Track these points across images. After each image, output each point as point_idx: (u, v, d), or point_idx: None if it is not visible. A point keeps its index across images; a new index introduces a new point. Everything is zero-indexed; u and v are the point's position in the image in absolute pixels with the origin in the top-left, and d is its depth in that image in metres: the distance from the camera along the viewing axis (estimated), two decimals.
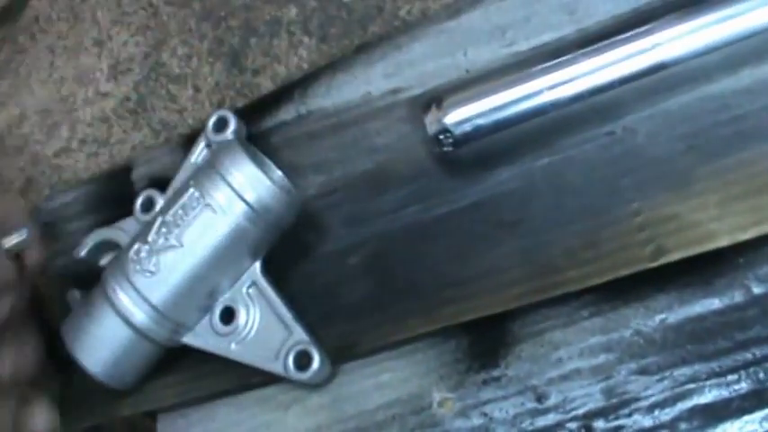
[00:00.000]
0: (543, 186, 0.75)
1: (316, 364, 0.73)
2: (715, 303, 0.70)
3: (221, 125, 0.80)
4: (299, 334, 0.74)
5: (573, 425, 0.70)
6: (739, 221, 0.69)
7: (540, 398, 0.71)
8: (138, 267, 0.74)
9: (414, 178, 0.78)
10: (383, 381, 0.76)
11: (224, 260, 0.75)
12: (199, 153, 0.81)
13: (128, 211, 0.82)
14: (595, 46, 0.72)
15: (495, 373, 0.73)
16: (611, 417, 0.70)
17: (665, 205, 0.71)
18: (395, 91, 0.80)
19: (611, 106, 0.73)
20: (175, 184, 0.80)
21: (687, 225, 0.70)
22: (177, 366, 0.81)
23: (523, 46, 0.77)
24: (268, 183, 0.73)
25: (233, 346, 0.76)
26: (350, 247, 0.78)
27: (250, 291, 0.77)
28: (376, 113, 0.80)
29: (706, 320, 0.70)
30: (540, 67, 0.73)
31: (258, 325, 0.76)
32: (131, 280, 0.74)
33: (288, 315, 0.75)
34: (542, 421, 0.71)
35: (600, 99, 0.72)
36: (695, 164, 0.71)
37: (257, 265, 0.77)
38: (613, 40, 0.71)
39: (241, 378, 0.78)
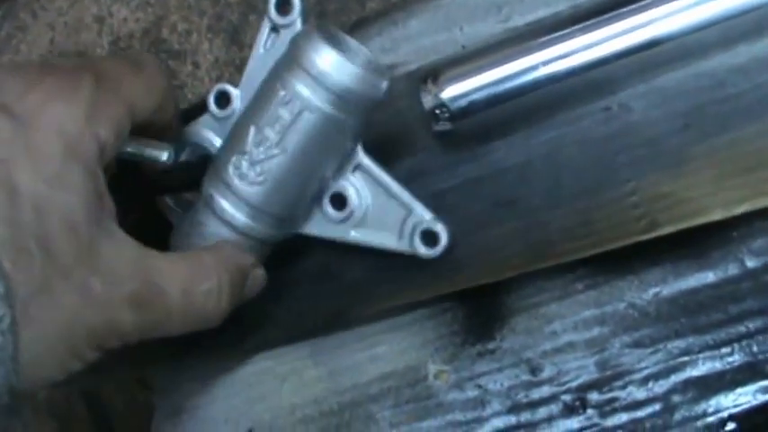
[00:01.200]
0: (540, 164, 0.75)
1: (444, 240, 0.73)
2: (709, 277, 0.71)
3: (285, 6, 0.76)
4: (421, 211, 0.74)
5: (567, 397, 0.71)
6: (733, 196, 0.69)
7: (534, 370, 0.72)
8: (243, 182, 0.72)
9: (412, 154, 0.78)
10: (379, 353, 0.76)
11: (329, 154, 0.74)
12: (265, 40, 0.78)
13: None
14: (590, 21, 0.72)
15: (490, 345, 0.74)
16: (605, 389, 0.70)
17: (660, 183, 0.71)
18: (392, 66, 0.80)
19: (607, 82, 0.74)
20: (250, 76, 0.78)
21: (681, 201, 0.70)
22: None
23: (519, 21, 0.78)
24: (355, 68, 0.70)
25: (352, 232, 0.76)
26: None
27: (356, 174, 0.76)
28: None
29: (700, 294, 0.71)
30: (535, 42, 0.73)
31: (373, 207, 0.76)
32: (240, 195, 0.72)
33: (404, 193, 0.75)
34: (537, 393, 0.72)
35: (595, 74, 0.72)
36: (690, 142, 0.72)
37: (359, 147, 0.75)
38: (608, 15, 0.71)
39: (235, 339, 0.79)
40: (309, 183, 0.74)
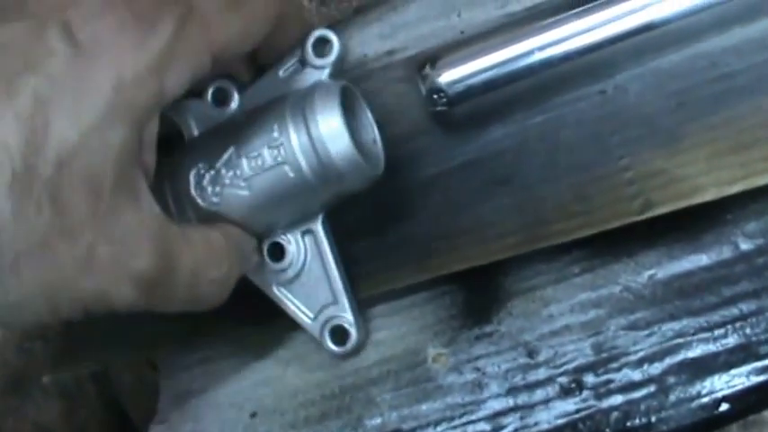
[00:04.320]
0: (536, 144, 0.76)
1: (352, 342, 0.75)
2: (703, 259, 0.71)
3: (322, 48, 0.75)
4: (343, 306, 0.75)
5: (563, 379, 0.72)
6: (726, 176, 0.70)
7: (531, 353, 0.73)
8: (197, 191, 0.70)
9: (410, 137, 0.79)
10: (379, 338, 0.77)
11: (290, 210, 0.73)
12: (289, 67, 0.76)
13: None
14: (585, 6, 0.72)
15: (488, 329, 0.75)
16: (601, 371, 0.71)
17: (654, 161, 0.72)
18: (390, 52, 0.81)
19: (603, 65, 0.74)
20: (258, 90, 0.76)
21: (675, 179, 0.71)
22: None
23: (516, 7, 0.78)
24: (353, 150, 0.69)
25: (274, 287, 0.75)
26: (348, 204, 0.79)
27: (305, 237, 0.75)
28: (372, 74, 0.81)
29: (694, 276, 0.71)
30: (531, 27, 0.74)
31: (304, 276, 0.75)
32: (190, 201, 0.71)
33: (338, 281, 0.75)
34: (534, 376, 0.73)
35: (591, 58, 0.73)
36: (684, 121, 0.72)
37: (321, 216, 0.75)
38: (603, 0, 0.72)
39: (241, 322, 0.80)
40: (258, 225, 0.73)
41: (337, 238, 0.77)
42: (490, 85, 0.74)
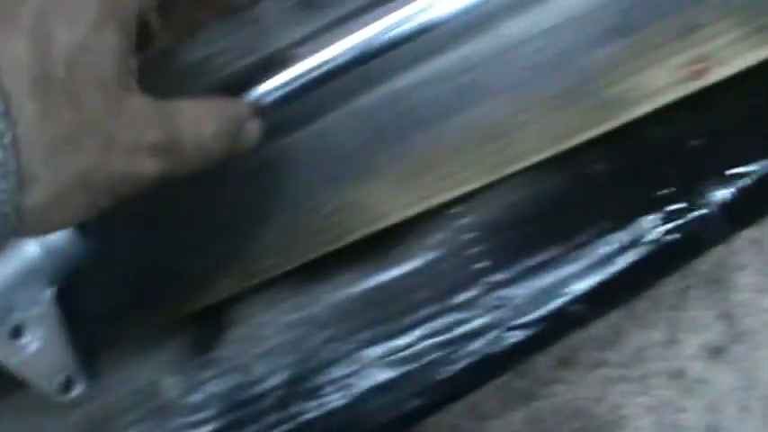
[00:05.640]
0: (240, 191, 0.84)
1: (77, 390, 0.81)
2: (393, 273, 0.80)
3: None
4: (70, 362, 0.81)
5: (279, 392, 0.80)
6: (407, 199, 0.79)
7: (248, 373, 0.81)
8: None
9: None
10: (125, 375, 0.85)
11: (17, 287, 0.78)
12: None
13: None
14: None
15: (213, 355, 0.83)
16: (309, 382, 0.79)
17: (349, 193, 0.81)
18: None
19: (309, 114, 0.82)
20: None
21: (366, 208, 0.80)
22: None
23: None
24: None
25: (11, 359, 0.80)
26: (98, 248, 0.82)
27: (39, 312, 0.80)
28: None
29: (385, 289, 0.79)
30: None
31: (39, 346, 0.80)
32: None
33: (64, 341, 0.80)
34: (252, 392, 0.80)
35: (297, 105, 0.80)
36: (373, 154, 0.81)
37: (49, 291, 0.80)
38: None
39: None
40: None
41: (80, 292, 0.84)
42: None
